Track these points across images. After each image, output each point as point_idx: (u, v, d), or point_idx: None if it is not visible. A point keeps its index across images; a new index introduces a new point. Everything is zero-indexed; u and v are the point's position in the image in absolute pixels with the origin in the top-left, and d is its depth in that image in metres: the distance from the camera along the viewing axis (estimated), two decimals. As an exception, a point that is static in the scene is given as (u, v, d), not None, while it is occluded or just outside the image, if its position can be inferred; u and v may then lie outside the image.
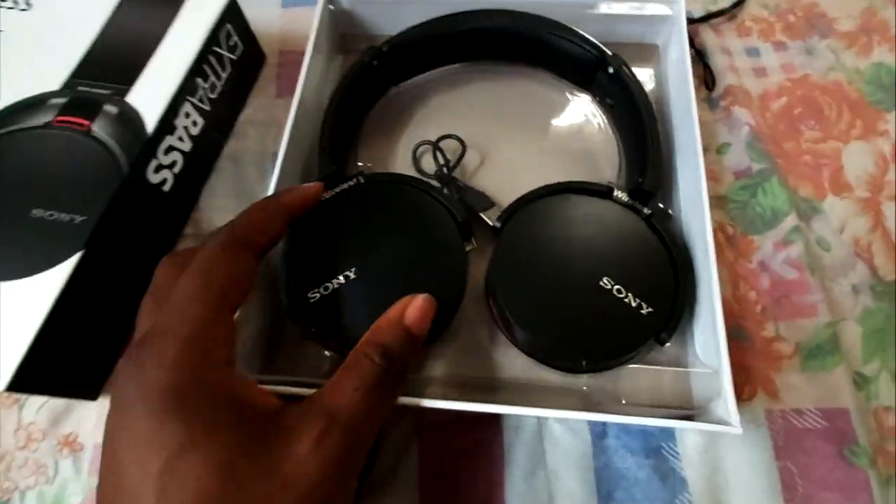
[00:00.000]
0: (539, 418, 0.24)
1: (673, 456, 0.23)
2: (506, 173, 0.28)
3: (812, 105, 0.30)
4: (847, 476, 0.22)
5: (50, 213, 0.23)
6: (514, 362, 0.24)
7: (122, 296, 0.25)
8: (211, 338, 0.16)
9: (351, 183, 0.24)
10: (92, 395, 0.25)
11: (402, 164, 0.28)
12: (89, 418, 0.25)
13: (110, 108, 0.25)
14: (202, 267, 0.17)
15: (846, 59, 0.31)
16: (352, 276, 0.22)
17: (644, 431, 0.23)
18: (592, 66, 0.27)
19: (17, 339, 0.20)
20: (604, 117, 0.29)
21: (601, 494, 0.23)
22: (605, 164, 0.28)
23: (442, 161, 0.27)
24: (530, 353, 0.23)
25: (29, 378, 0.21)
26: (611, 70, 0.26)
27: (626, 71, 0.26)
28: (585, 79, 0.29)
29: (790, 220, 0.26)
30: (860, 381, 0.24)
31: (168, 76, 0.26)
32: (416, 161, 0.28)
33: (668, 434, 0.23)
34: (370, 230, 0.23)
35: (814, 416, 0.23)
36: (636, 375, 0.23)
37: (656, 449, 0.23)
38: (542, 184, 0.24)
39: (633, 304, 0.21)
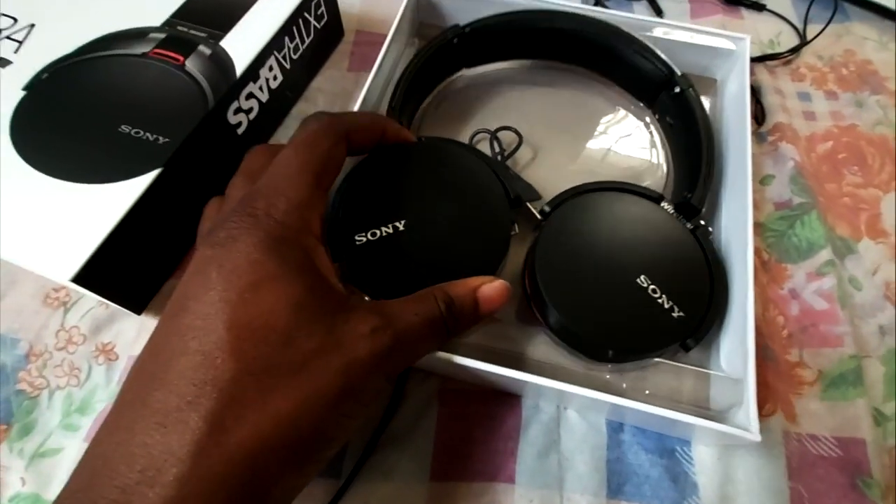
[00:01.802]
0: (558, 406, 0.24)
1: (686, 460, 0.23)
2: (555, 172, 0.29)
3: (856, 153, 0.31)
4: (858, 506, 0.22)
5: (136, 130, 0.25)
6: (539, 345, 0.24)
7: (184, 220, 0.27)
8: (312, 207, 0.18)
9: (415, 142, 0.25)
10: (137, 309, 0.26)
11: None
12: (129, 331, 0.26)
13: (204, 49, 0.27)
14: (307, 141, 0.19)
15: (894, 116, 0.33)
16: (401, 227, 0.22)
17: (660, 434, 0.24)
18: (659, 84, 0.29)
19: (89, 237, 0.22)
20: (659, 135, 0.30)
21: (611, 486, 0.23)
22: (650, 179, 0.29)
23: (497, 150, 0.28)
24: (559, 335, 0.24)
25: (92, 275, 0.22)
26: (677, 90, 0.27)
27: (692, 92, 0.27)
28: (650, 95, 0.30)
29: (825, 254, 0.27)
30: (879, 418, 0.24)
31: (260, 30, 0.28)
32: (470, 145, 0.29)
33: (683, 439, 0.24)
34: (426, 188, 0.23)
35: (829, 444, 0.24)
36: (659, 372, 0.23)
37: (671, 451, 0.23)
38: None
39: (666, 306, 0.22)
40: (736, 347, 0.23)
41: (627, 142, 0.30)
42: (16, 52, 0.27)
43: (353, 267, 0.22)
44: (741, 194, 0.25)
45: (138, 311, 0.26)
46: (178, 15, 0.29)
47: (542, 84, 0.32)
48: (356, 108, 0.27)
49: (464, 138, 0.29)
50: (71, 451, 0.24)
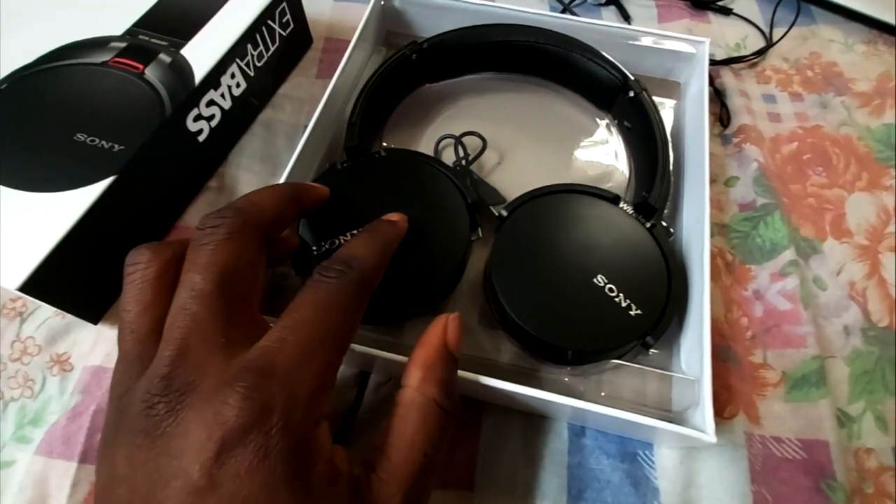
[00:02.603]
0: (519, 411, 0.24)
1: (648, 464, 0.23)
2: (519, 176, 0.29)
3: (821, 153, 0.31)
4: (821, 510, 0.22)
5: (92, 138, 0.24)
6: (501, 350, 0.24)
7: (140, 229, 0.27)
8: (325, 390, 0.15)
9: (374, 154, 0.25)
10: (94, 318, 0.25)
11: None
12: (85, 341, 0.26)
13: (164, 57, 0.27)
14: (221, 280, 0.15)
15: (858, 116, 0.33)
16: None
17: (622, 437, 0.23)
18: (615, 89, 0.29)
19: (39, 244, 0.22)
20: (619, 138, 0.30)
21: (571, 492, 0.22)
22: (613, 182, 0.29)
23: (462, 154, 0.28)
24: (518, 338, 0.23)
25: (41, 283, 0.22)
26: (631, 94, 0.28)
27: (646, 96, 0.27)
28: (606, 100, 0.30)
29: (788, 254, 0.27)
30: (843, 420, 0.24)
31: (222, 37, 0.28)
32: (437, 153, 0.29)
33: (646, 442, 0.23)
34: (383, 198, 0.24)
35: (794, 447, 0.23)
36: (619, 374, 0.23)
37: (632, 455, 0.23)
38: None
39: (623, 304, 0.22)
40: (695, 348, 0.22)
41: (589, 145, 0.30)
42: (-24, 62, 0.27)
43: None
44: (699, 194, 0.25)
45: (94, 321, 0.25)
46: (141, 24, 0.29)
47: (505, 91, 0.32)
48: (316, 115, 0.27)
49: (429, 145, 0.30)
50: (22, 464, 0.23)
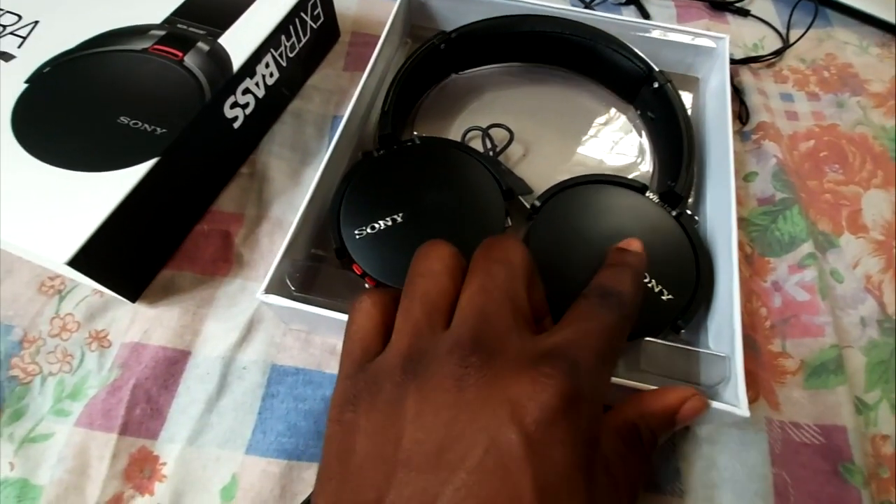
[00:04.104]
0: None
1: (668, 447, 0.24)
2: (544, 167, 0.30)
3: (838, 151, 0.32)
4: (840, 492, 0.23)
5: (135, 121, 0.25)
6: None
7: (179, 210, 0.27)
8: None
9: (408, 143, 0.26)
10: (132, 296, 0.26)
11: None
12: (123, 319, 0.26)
13: (203, 45, 0.28)
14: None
15: (874, 116, 0.34)
16: (399, 219, 0.23)
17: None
18: (639, 80, 0.30)
19: (86, 221, 0.22)
20: (643, 130, 0.31)
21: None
22: (638, 172, 0.30)
23: (489, 146, 0.29)
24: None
25: (88, 259, 0.22)
26: (656, 85, 0.28)
27: (671, 87, 0.28)
28: (631, 91, 0.31)
29: (807, 247, 0.28)
30: (860, 407, 0.25)
31: (258, 28, 0.29)
32: (464, 143, 0.30)
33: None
34: (422, 184, 0.24)
35: (812, 432, 0.24)
36: (653, 349, 0.23)
37: (654, 437, 0.24)
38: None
39: (656, 290, 0.23)
40: (723, 329, 0.23)
41: (613, 136, 0.31)
42: (19, 47, 0.28)
43: (355, 258, 0.23)
44: (724, 183, 0.26)
45: (133, 299, 0.26)
46: (178, 13, 0.30)
47: (531, 84, 0.33)
48: (350, 106, 0.27)
49: (456, 136, 0.30)
50: (61, 436, 0.24)
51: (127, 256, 0.25)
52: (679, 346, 0.24)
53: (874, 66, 0.36)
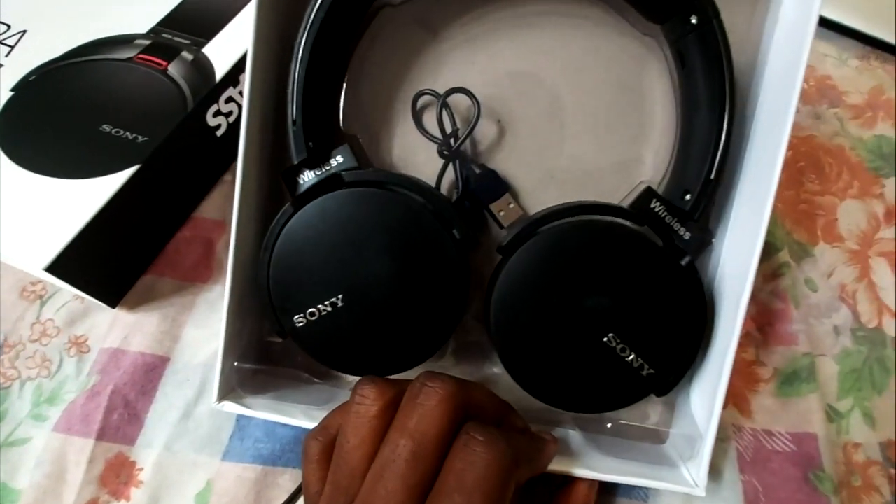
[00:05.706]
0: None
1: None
2: (529, 149, 0.22)
3: (815, 162, 0.33)
4: (810, 500, 0.23)
5: (117, 129, 0.26)
6: (501, 378, 0.23)
7: (160, 217, 0.28)
8: None
9: (333, 192, 0.20)
10: (112, 302, 0.26)
11: (401, 126, 0.23)
12: (102, 324, 0.26)
13: (187, 55, 0.29)
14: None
15: (851, 128, 0.34)
16: (339, 303, 0.20)
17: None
18: (670, 6, 0.19)
19: (65, 228, 0.23)
20: (672, 83, 0.21)
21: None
22: (653, 152, 0.22)
23: (450, 128, 0.21)
24: (516, 380, 0.21)
25: (67, 265, 0.23)
26: (693, 20, 0.18)
27: (716, 25, 0.18)
28: (659, 17, 0.20)
29: (782, 255, 0.28)
30: (832, 415, 0.25)
31: (242, 37, 0.30)
32: (417, 120, 0.22)
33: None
34: (356, 249, 0.20)
35: (783, 440, 0.24)
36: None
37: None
38: (570, 171, 0.22)
39: (635, 365, 0.20)
40: (706, 396, 0.21)
41: (630, 98, 0.22)
42: (7, 55, 0.29)
43: (303, 348, 0.21)
44: (758, 205, 0.20)
45: (113, 305, 0.26)
46: (164, 23, 0.30)
47: (508, 21, 0.22)
48: (243, 127, 0.20)
49: (405, 111, 0.22)
50: (39, 440, 0.24)
51: (107, 263, 0.25)
52: (648, 427, 0.23)
53: (853, 79, 0.36)
